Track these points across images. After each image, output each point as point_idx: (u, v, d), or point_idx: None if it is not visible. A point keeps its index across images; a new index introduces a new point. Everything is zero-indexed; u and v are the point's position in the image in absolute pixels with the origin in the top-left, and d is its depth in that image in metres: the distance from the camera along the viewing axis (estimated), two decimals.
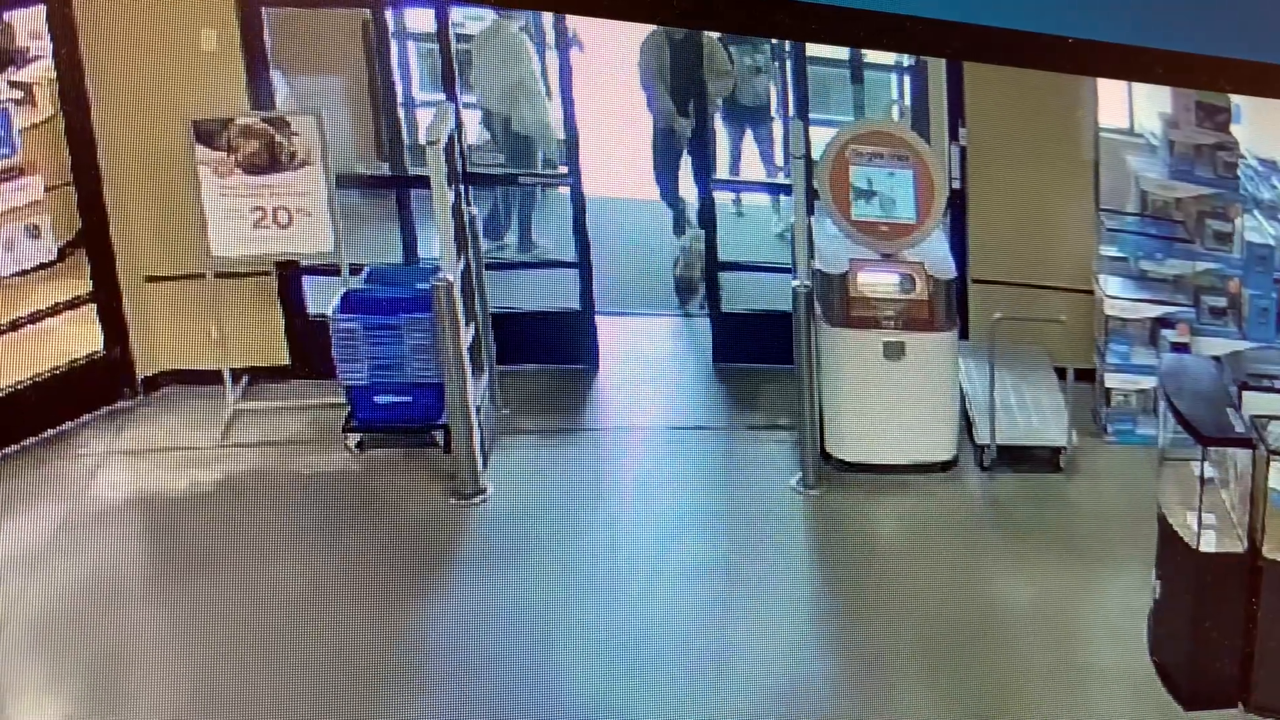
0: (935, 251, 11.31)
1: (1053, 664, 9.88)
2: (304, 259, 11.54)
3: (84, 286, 11.45)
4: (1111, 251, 11.54)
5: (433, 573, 10.39)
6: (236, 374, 11.63)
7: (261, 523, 10.59)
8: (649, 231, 12.45)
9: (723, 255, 12.14)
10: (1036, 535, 10.72)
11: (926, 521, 10.84)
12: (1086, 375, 11.49)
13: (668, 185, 12.44)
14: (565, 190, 12.24)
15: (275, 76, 11.48)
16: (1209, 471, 9.83)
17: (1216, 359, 10.46)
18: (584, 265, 11.99)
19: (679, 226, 12.44)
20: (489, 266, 11.73)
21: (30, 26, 11.39)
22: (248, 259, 11.39)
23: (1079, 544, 10.57)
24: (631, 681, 9.75)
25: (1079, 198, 11.48)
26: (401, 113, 12.33)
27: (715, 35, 12.24)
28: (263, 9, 11.35)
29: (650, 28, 12.23)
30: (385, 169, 12.04)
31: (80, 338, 11.47)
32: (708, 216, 12.19)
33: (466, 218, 11.29)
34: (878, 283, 11.20)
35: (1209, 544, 9.69)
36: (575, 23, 11.88)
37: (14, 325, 11.16)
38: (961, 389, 11.36)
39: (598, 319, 12.04)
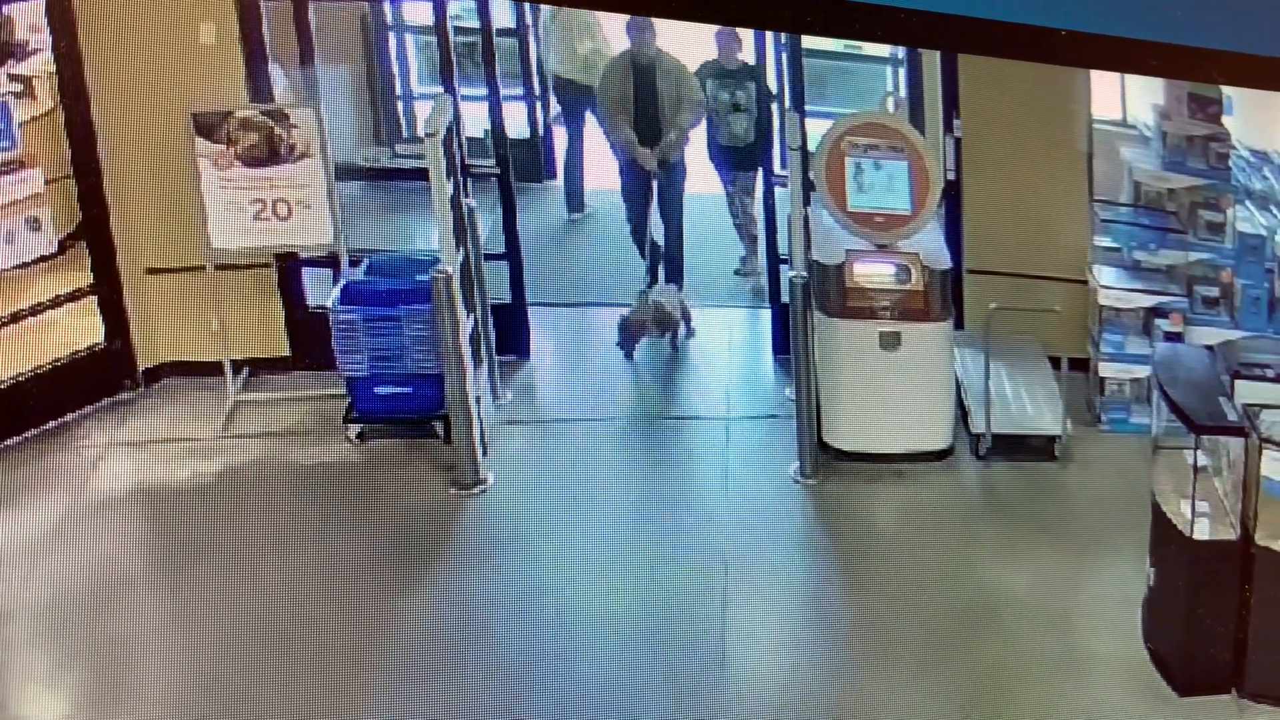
0: (930, 242, 11.33)
1: (1048, 650, 9.90)
2: (304, 251, 11.58)
3: (84, 279, 11.48)
4: (1105, 242, 11.59)
5: (433, 563, 10.40)
6: (237, 365, 11.68)
7: (262, 513, 10.60)
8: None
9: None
10: (1032, 523, 10.75)
11: (922, 510, 10.87)
12: (1081, 364, 11.58)
13: (637, 225, 12.32)
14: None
15: (274, 69, 11.52)
16: (1202, 460, 9.86)
17: (1209, 348, 10.46)
18: (513, 257, 12.02)
19: (652, 274, 12.30)
20: None
21: (30, 20, 11.40)
22: (248, 251, 11.42)
23: (1074, 532, 10.60)
24: (630, 669, 9.78)
25: (1073, 189, 11.53)
26: (400, 105, 12.43)
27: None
28: (261, 2, 11.38)
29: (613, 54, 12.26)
30: (382, 160, 12.11)
31: (81, 330, 11.49)
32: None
33: (465, 209, 11.28)
34: (874, 273, 11.22)
35: (1202, 532, 9.69)
36: None
37: (15, 318, 11.21)
38: (957, 378, 11.43)
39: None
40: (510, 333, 11.99)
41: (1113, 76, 11.43)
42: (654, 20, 11.75)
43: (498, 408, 11.61)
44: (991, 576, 10.38)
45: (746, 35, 11.99)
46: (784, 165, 12.15)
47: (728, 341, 12.27)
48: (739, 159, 12.37)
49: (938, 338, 11.24)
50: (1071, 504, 10.92)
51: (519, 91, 12.91)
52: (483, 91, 11.85)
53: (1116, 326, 11.45)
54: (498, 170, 11.90)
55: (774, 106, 12.20)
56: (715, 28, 11.82)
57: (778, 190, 12.28)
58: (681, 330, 12.11)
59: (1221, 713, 9.65)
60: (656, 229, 12.21)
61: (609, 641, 9.94)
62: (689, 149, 12.24)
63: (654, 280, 12.18)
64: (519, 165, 12.34)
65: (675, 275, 12.33)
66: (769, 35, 11.96)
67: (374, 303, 11.18)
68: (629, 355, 12.04)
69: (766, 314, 12.28)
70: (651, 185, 12.22)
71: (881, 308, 11.19)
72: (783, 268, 12.08)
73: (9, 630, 9.92)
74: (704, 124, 12.24)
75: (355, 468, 11.16)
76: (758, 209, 12.46)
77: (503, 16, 12.58)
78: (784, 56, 11.90)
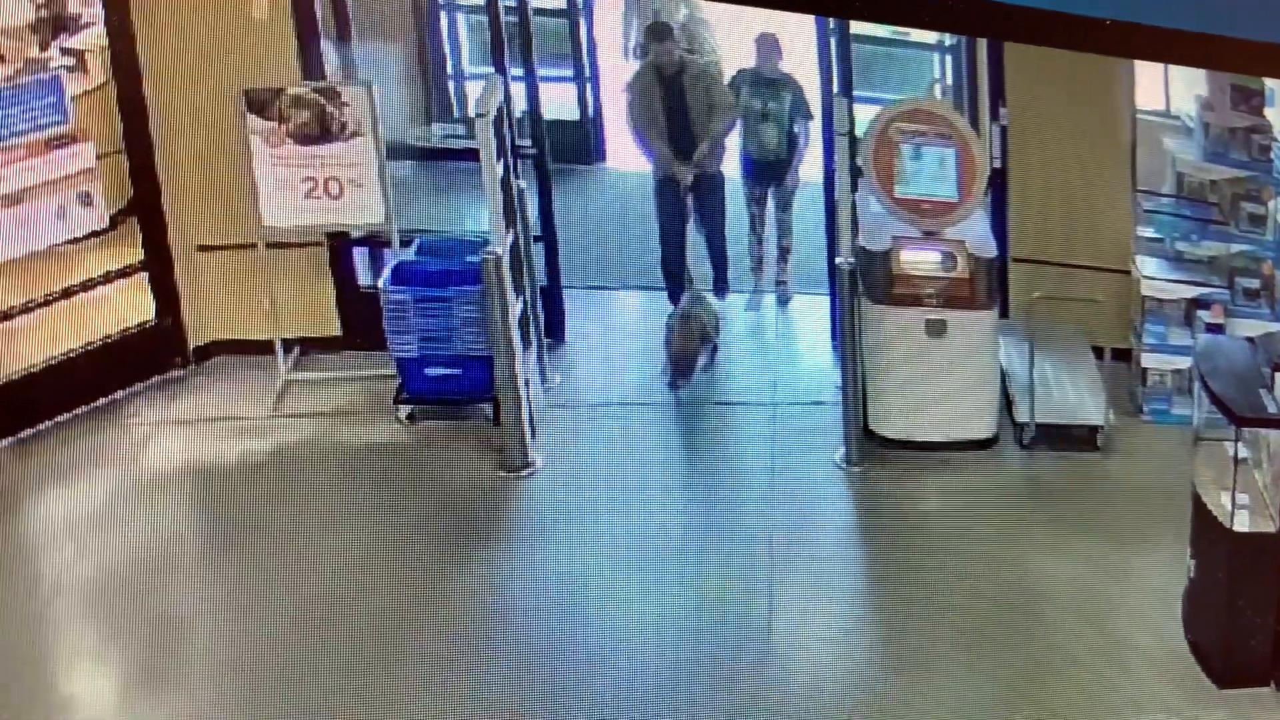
0: (976, 230, 11.35)
1: (1088, 641, 9.96)
2: (355, 230, 11.59)
3: (135, 255, 11.48)
4: (1148, 232, 11.60)
5: (480, 545, 10.45)
6: (288, 344, 11.66)
7: (311, 493, 10.66)
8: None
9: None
10: (1074, 513, 10.79)
11: (967, 498, 10.92)
12: (1123, 355, 11.59)
13: (673, 242, 12.06)
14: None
15: (326, 46, 11.51)
16: (1242, 451, 9.90)
17: (1250, 340, 10.49)
18: (549, 239, 11.97)
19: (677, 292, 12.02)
20: None
21: None
22: (299, 229, 11.42)
23: (1115, 522, 10.63)
24: (675, 654, 9.85)
25: (1116, 179, 11.55)
26: (451, 85, 12.40)
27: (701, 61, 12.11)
28: None
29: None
30: (433, 140, 12.09)
31: (132, 306, 11.50)
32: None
33: (515, 191, 11.30)
34: (920, 260, 11.24)
35: (1242, 524, 9.76)
36: None
37: (66, 293, 11.21)
38: (1001, 367, 11.46)
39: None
40: (546, 316, 11.97)
41: (1156, 67, 11.43)
42: (674, 27, 11.80)
43: (546, 391, 11.67)
44: (1033, 566, 10.43)
45: (789, 43, 11.89)
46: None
47: (784, 328, 12.31)
48: (771, 172, 12.15)
49: (983, 326, 11.27)
50: (1113, 494, 10.94)
51: (569, 73, 12.90)
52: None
53: (1159, 317, 11.47)
54: (534, 151, 11.83)
55: (807, 124, 12.03)
56: (754, 34, 11.80)
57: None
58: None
59: (1261, 705, 9.72)
60: (697, 238, 12.17)
61: (653, 626, 10.00)
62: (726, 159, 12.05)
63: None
64: (566, 147, 12.35)
65: (720, 273, 12.28)
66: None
67: (424, 283, 11.19)
68: (678, 386, 11.76)
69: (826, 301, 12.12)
70: (687, 203, 12.01)
71: (927, 295, 11.21)
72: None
73: (59, 606, 9.96)
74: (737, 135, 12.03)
75: (404, 448, 11.18)
76: (795, 219, 12.30)
77: None
78: (833, 42, 11.89)
